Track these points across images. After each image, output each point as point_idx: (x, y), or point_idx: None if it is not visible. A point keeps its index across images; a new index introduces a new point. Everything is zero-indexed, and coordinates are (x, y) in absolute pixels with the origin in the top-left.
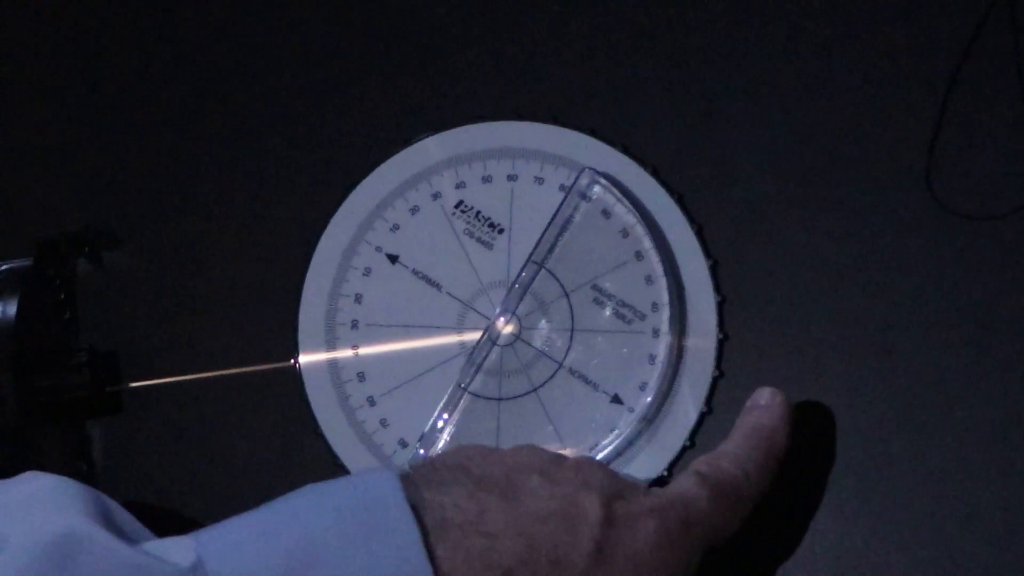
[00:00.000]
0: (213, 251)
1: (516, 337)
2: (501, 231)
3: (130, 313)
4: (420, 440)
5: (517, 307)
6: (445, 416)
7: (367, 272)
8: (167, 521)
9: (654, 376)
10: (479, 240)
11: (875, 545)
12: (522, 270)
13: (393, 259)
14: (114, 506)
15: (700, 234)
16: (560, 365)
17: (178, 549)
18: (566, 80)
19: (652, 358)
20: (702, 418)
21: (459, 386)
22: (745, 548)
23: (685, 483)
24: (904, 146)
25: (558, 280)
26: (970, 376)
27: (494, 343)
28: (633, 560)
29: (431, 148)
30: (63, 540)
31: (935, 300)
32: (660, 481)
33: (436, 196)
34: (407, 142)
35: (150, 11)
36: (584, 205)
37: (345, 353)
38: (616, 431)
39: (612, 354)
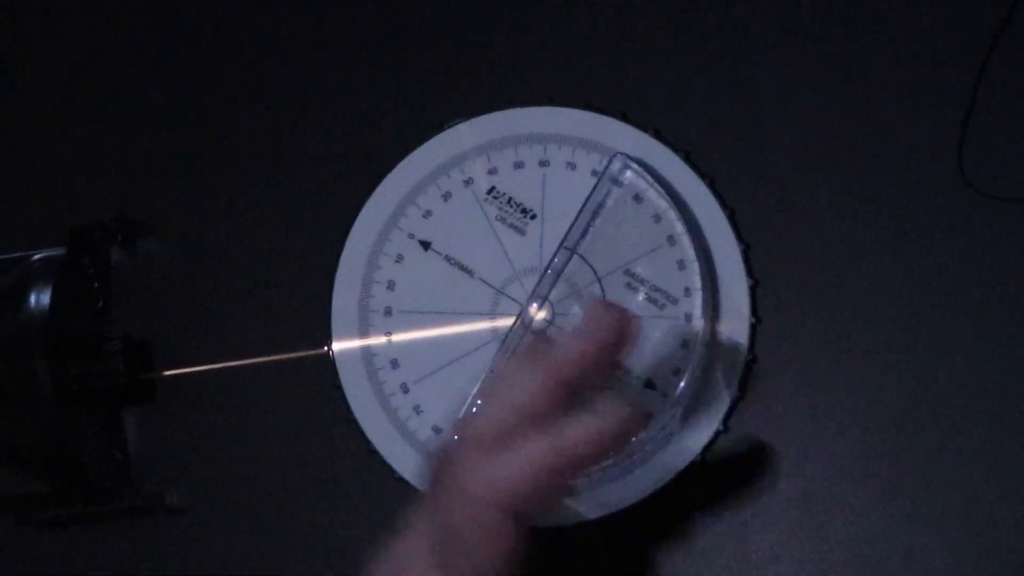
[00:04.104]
0: (246, 239)
1: (549, 323)
2: (533, 217)
3: (163, 301)
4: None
5: (550, 293)
6: (479, 402)
7: (400, 259)
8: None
9: (687, 361)
10: (511, 226)
11: (909, 526)
12: (555, 256)
13: (426, 245)
14: None
15: (732, 218)
16: None
17: None
18: (598, 65)
19: (685, 343)
20: (735, 402)
21: (492, 372)
22: (781, 529)
23: None
24: (936, 129)
25: (590, 265)
26: (1003, 357)
27: (527, 329)
28: None
29: (463, 134)
30: None
31: (968, 282)
32: (694, 465)
33: (468, 182)
34: (439, 128)
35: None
36: (616, 190)
37: (378, 340)
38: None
39: (645, 340)
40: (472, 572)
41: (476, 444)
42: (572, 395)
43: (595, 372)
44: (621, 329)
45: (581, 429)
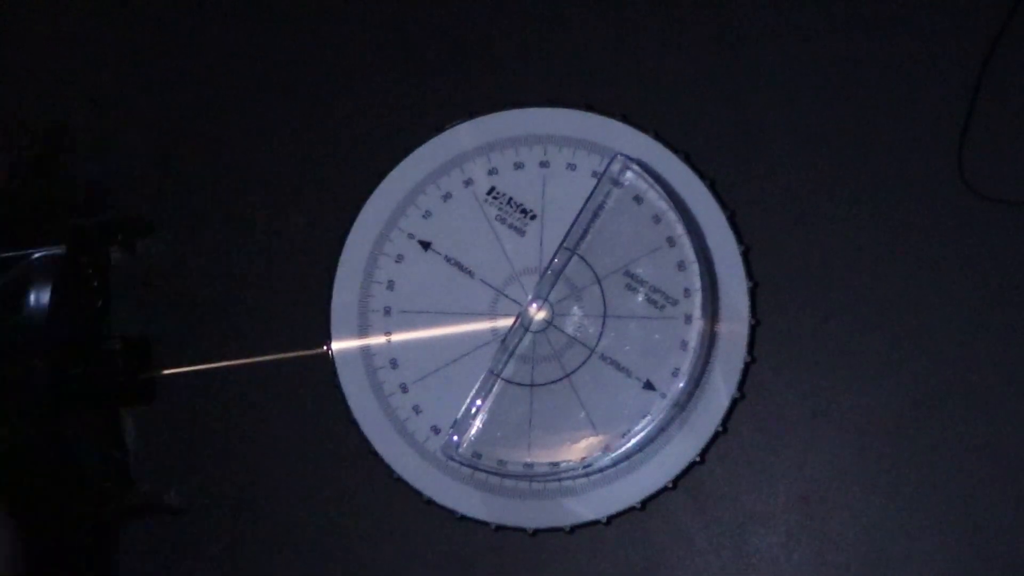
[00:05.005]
0: (246, 239)
1: (548, 323)
2: (533, 217)
3: (163, 301)
4: (453, 426)
5: (549, 293)
6: (478, 402)
7: (399, 259)
8: (202, 506)
9: (686, 362)
10: (511, 226)
11: (908, 526)
12: (554, 256)
13: (425, 245)
14: None
15: (732, 220)
16: (592, 351)
17: None
18: (598, 67)
19: (684, 344)
20: (734, 404)
21: (492, 372)
22: (779, 530)
23: None
24: (936, 131)
25: (590, 266)
26: (1002, 359)
27: (527, 329)
28: None
29: (463, 135)
30: None
31: (967, 284)
32: (692, 467)
33: (468, 183)
34: (440, 129)
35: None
36: (616, 191)
37: (378, 340)
38: (648, 417)
39: (644, 340)
40: None
41: None
42: None
43: None
44: None
45: None
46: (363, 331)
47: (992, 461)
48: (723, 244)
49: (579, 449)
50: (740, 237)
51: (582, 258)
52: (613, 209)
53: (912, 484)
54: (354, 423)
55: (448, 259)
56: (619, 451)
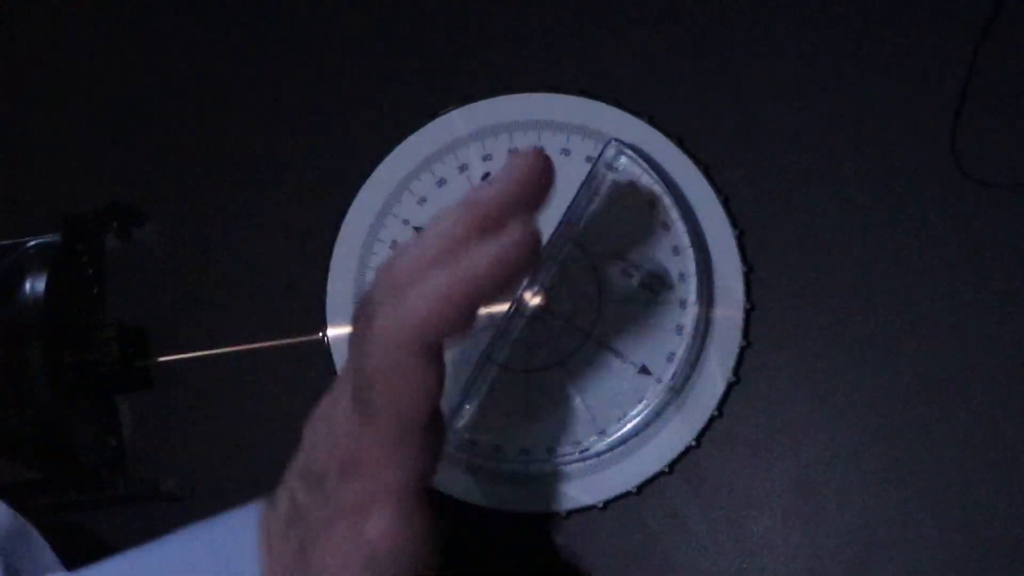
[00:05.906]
0: (241, 225)
1: (544, 309)
2: None
3: (158, 288)
4: (448, 413)
5: (544, 279)
6: (473, 388)
7: (394, 245)
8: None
9: (682, 346)
10: None
11: (904, 511)
12: (549, 242)
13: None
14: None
15: (726, 204)
16: (588, 336)
17: None
18: (592, 52)
19: (679, 328)
20: (730, 388)
21: (487, 358)
22: (775, 515)
23: None
24: (930, 115)
25: (585, 252)
26: (997, 343)
27: (522, 315)
28: None
29: (457, 120)
30: None
31: (961, 269)
32: (688, 451)
33: (463, 168)
34: (434, 115)
35: None
36: (610, 176)
37: None
38: (644, 402)
39: (639, 325)
40: (388, 414)
41: (390, 286)
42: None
43: (513, 207)
44: (537, 166)
45: (481, 251)
46: None
47: (988, 445)
48: (718, 229)
49: (574, 434)
50: (735, 222)
51: (577, 243)
52: (607, 194)
53: (908, 468)
54: None
55: None
56: (615, 436)
